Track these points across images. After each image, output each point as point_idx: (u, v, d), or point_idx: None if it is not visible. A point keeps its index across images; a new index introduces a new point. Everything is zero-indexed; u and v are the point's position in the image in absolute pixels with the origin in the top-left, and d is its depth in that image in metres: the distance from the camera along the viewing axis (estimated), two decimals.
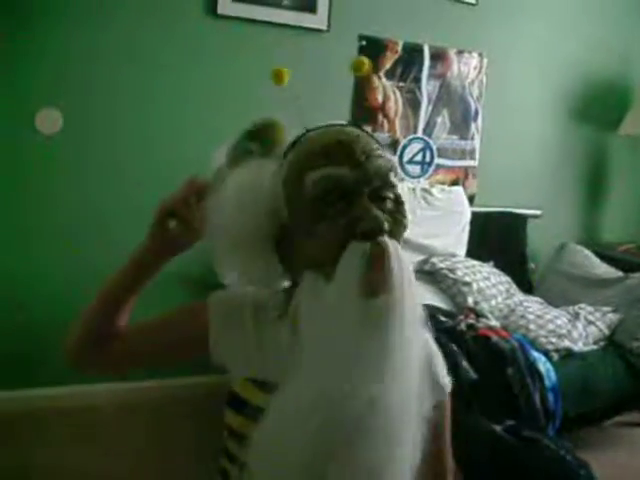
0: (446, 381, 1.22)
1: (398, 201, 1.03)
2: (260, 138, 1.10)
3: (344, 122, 1.10)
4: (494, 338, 2.75)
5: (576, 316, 3.21)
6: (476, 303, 3.20)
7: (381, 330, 0.92)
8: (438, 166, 3.93)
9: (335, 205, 0.98)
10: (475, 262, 3.51)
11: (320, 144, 1.02)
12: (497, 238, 3.85)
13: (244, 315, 1.17)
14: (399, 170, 3.74)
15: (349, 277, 0.94)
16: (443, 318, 2.93)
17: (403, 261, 0.96)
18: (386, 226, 0.96)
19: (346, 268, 0.95)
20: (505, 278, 3.53)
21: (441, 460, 1.26)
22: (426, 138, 3.85)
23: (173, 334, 1.23)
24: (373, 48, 3.60)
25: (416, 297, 0.98)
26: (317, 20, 3.43)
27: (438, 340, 2.57)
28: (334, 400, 0.90)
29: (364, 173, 0.98)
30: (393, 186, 1.02)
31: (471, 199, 3.92)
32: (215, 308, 1.20)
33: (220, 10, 3.19)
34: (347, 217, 0.97)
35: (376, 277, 0.94)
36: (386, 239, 0.96)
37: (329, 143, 1.01)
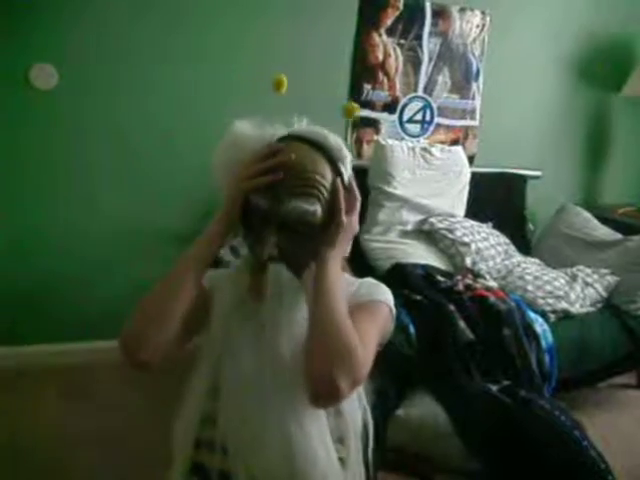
0: (376, 291, 1.47)
1: (310, 231, 1.31)
2: None
3: (321, 134, 1.35)
4: (491, 299, 2.75)
5: (574, 278, 3.20)
6: (474, 263, 3.19)
7: (256, 324, 1.31)
8: (438, 125, 3.90)
9: (254, 220, 1.31)
10: (474, 222, 3.50)
11: (274, 171, 1.28)
12: (496, 199, 3.83)
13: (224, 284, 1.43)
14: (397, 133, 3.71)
15: (240, 284, 1.37)
16: (441, 278, 2.92)
17: (285, 280, 1.31)
18: (267, 255, 1.28)
19: (239, 276, 1.39)
20: (504, 239, 3.52)
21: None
22: (426, 97, 3.81)
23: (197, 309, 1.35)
24: (374, 4, 3.54)
25: (297, 305, 1.33)
26: None
27: (435, 300, 2.58)
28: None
29: (278, 210, 1.27)
30: (305, 223, 1.29)
31: (471, 159, 3.89)
32: (209, 283, 1.41)
33: None
34: (255, 234, 1.31)
35: (255, 288, 1.34)
36: (272, 265, 1.30)
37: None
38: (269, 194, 1.26)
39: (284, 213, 1.26)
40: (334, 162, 1.33)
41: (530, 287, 3.07)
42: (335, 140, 1.35)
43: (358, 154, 3.66)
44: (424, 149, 3.58)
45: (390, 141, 3.50)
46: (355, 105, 1.43)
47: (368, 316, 1.37)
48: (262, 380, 1.26)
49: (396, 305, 1.45)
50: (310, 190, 1.28)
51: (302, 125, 1.40)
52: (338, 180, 1.33)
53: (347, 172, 1.36)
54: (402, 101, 3.75)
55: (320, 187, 1.29)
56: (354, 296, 1.42)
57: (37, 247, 3.09)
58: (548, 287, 3.06)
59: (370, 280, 1.52)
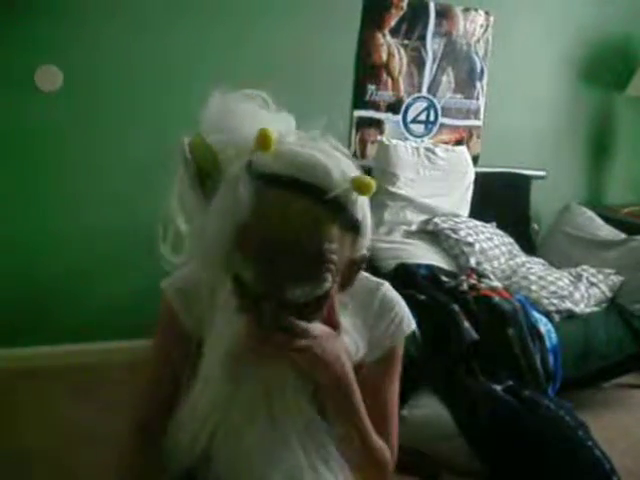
0: (399, 327, 1.25)
1: (312, 306, 1.03)
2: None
3: (321, 172, 0.99)
4: (496, 299, 2.75)
5: (578, 278, 3.20)
6: (478, 264, 3.19)
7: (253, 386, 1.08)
8: (442, 125, 3.90)
9: (245, 297, 1.02)
10: (478, 222, 3.49)
11: (264, 247, 0.98)
12: (500, 199, 3.82)
13: (201, 289, 1.19)
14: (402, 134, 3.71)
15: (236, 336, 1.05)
16: (445, 278, 2.92)
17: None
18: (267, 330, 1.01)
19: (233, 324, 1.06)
20: (508, 239, 3.52)
21: (383, 418, 1.26)
22: (430, 97, 3.81)
23: (175, 354, 1.23)
24: (378, 4, 3.54)
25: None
26: None
27: (439, 300, 2.57)
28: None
29: (279, 296, 0.99)
30: (307, 304, 1.02)
31: (475, 159, 3.89)
32: (174, 297, 1.22)
33: None
34: (253, 304, 1.01)
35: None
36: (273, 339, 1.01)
37: (268, 253, 0.98)
38: (264, 278, 0.99)
39: (287, 298, 1.00)
40: (344, 219, 1.00)
41: (534, 287, 3.07)
42: (340, 175, 0.99)
43: (362, 154, 3.66)
44: (428, 149, 3.58)
45: (394, 141, 3.50)
46: (371, 181, 1.00)
47: (389, 384, 1.28)
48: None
49: None
50: (319, 270, 0.99)
51: (287, 136, 1.07)
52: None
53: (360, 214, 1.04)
54: (406, 101, 3.75)
55: (330, 258, 0.99)
56: (371, 330, 1.22)
57: (41, 247, 3.09)
58: (552, 287, 3.06)
59: (390, 302, 1.26)
